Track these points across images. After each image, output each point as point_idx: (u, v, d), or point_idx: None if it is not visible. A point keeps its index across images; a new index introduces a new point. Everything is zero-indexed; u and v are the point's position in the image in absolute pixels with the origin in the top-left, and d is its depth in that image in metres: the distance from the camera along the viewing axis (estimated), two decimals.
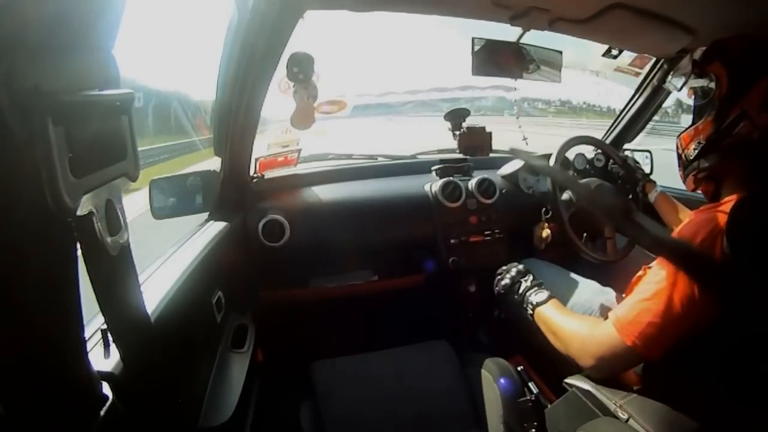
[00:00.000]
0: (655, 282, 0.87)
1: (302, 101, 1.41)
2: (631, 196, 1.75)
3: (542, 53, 1.53)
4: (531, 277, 1.25)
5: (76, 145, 0.42)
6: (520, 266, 1.30)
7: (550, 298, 1.16)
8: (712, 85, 0.96)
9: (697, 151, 0.98)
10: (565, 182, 1.63)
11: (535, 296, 1.18)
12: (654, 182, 1.74)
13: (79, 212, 0.44)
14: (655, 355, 0.86)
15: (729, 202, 0.87)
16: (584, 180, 1.78)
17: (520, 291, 1.23)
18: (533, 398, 1.00)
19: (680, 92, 1.09)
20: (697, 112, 1.01)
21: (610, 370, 0.96)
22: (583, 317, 1.10)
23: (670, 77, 1.57)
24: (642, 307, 0.87)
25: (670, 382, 0.94)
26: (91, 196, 0.45)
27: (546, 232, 1.75)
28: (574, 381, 1.07)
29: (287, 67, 1.33)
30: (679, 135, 1.05)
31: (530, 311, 1.17)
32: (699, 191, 1.05)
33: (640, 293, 0.89)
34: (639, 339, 0.85)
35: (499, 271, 1.35)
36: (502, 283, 1.29)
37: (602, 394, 0.97)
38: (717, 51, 0.97)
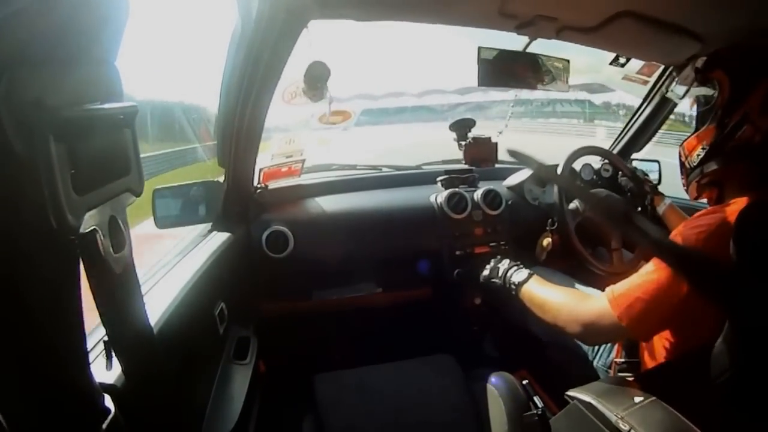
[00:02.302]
0: (653, 264, 0.92)
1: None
2: (639, 209, 1.74)
3: (550, 62, 1.52)
4: (507, 261, 1.33)
5: (78, 161, 0.42)
6: (501, 257, 1.39)
7: (531, 275, 1.22)
8: (714, 92, 0.97)
9: (700, 157, 1.00)
10: (574, 192, 1.63)
11: (516, 275, 1.24)
12: (663, 195, 1.73)
13: (82, 229, 0.43)
14: (638, 332, 0.94)
15: (732, 204, 0.89)
16: (592, 191, 1.77)
17: (500, 273, 1.30)
18: (539, 412, 1.00)
19: (682, 101, 1.09)
20: (700, 119, 1.03)
21: (595, 338, 1.07)
22: (569, 289, 1.13)
23: (672, 87, 1.56)
24: (634, 283, 0.93)
25: (672, 392, 0.93)
26: (94, 212, 0.45)
27: (546, 241, 1.74)
28: (576, 393, 1.05)
29: (306, 73, 1.33)
30: (681, 143, 1.06)
31: (514, 290, 1.23)
32: (703, 199, 1.06)
33: (638, 273, 0.94)
34: (625, 311, 0.91)
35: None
36: (483, 274, 1.38)
37: (603, 406, 0.96)
38: (719, 59, 0.99)
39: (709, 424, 0.86)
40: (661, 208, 1.68)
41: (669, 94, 1.63)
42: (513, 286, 1.23)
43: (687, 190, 1.08)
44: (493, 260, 1.38)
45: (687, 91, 1.07)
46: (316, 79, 1.34)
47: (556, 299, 1.09)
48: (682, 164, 1.07)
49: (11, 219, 0.38)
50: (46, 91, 0.39)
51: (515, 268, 1.28)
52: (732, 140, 0.93)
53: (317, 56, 1.31)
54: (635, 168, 1.89)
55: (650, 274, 0.91)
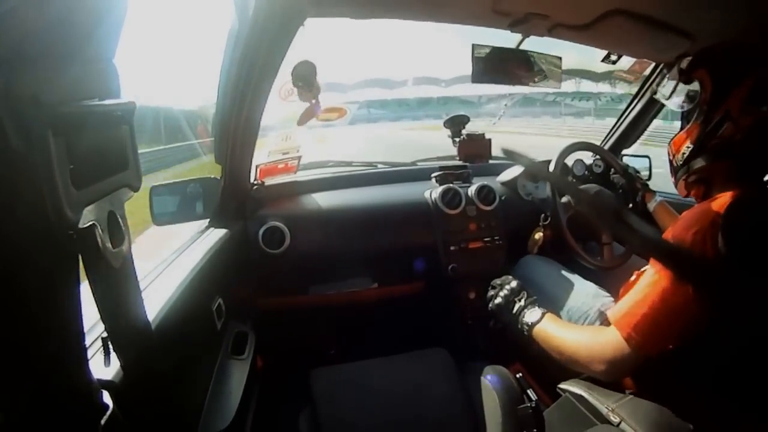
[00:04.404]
0: (648, 277, 0.90)
1: (309, 101, 1.43)
2: (631, 205, 1.75)
3: (542, 59, 1.53)
4: (525, 295, 1.24)
5: (76, 156, 0.42)
6: (513, 283, 1.28)
7: (543, 315, 1.15)
8: (698, 90, 0.99)
9: (686, 155, 1.01)
10: (565, 188, 1.64)
11: (529, 316, 1.17)
12: (654, 192, 1.74)
13: (80, 224, 0.43)
14: (651, 350, 0.88)
15: (719, 198, 0.90)
16: (583, 186, 1.78)
17: (514, 311, 1.22)
18: (532, 405, 1.00)
19: (669, 101, 1.11)
20: (685, 118, 1.05)
21: (619, 373, 0.96)
22: (583, 327, 1.10)
23: (659, 88, 1.58)
24: (636, 299, 0.90)
25: (662, 384, 0.95)
26: (92, 207, 0.45)
27: (539, 235, 1.75)
28: (567, 386, 1.07)
29: (293, 78, 1.34)
30: (669, 141, 1.08)
31: (526, 331, 1.16)
32: (691, 196, 1.07)
33: (635, 290, 0.92)
34: (633, 331, 0.88)
35: (492, 284, 1.34)
36: (496, 302, 1.28)
37: (594, 398, 0.98)
38: (702, 59, 1.00)
39: (696, 414, 0.87)
40: (651, 205, 1.70)
41: (657, 95, 1.66)
42: (526, 327, 1.17)
43: (676, 187, 1.10)
44: (507, 287, 1.28)
45: (673, 91, 1.09)
46: (302, 78, 1.35)
47: (572, 339, 1.04)
48: (670, 162, 1.09)
49: (10, 214, 0.38)
50: (44, 87, 0.39)
51: (530, 307, 1.20)
52: (714, 138, 0.94)
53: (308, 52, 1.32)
54: (627, 165, 1.91)
55: (650, 286, 0.89)
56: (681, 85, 1.04)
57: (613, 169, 1.91)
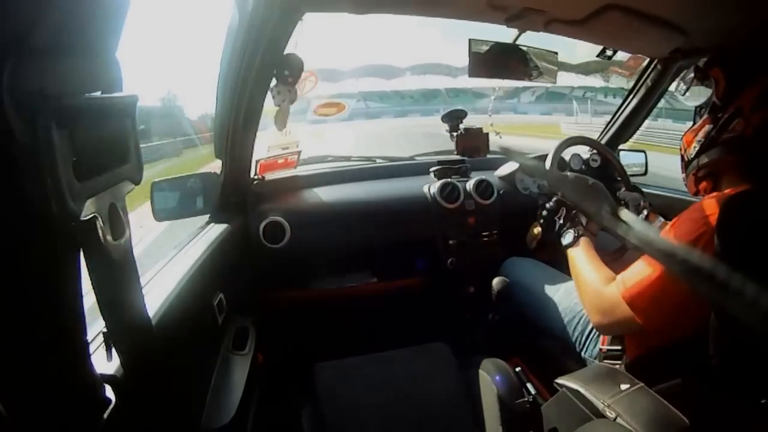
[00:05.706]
0: None
1: (283, 103, 1.44)
2: None
3: (539, 54, 1.54)
4: (563, 212, 1.39)
5: (79, 149, 0.42)
6: (550, 204, 1.45)
7: (577, 239, 1.28)
8: (712, 88, 1.01)
9: (696, 149, 1.04)
10: (558, 183, 1.64)
11: (565, 237, 1.32)
12: (657, 215, 1.73)
13: (82, 216, 0.44)
14: (644, 313, 0.95)
15: (726, 193, 0.93)
16: (580, 176, 1.77)
17: (556, 228, 1.38)
18: (530, 399, 1.01)
19: (684, 97, 1.14)
20: (698, 113, 1.08)
21: (611, 328, 1.07)
22: (599, 269, 1.15)
23: (678, 85, 1.60)
24: (642, 266, 0.96)
25: (659, 380, 0.96)
26: (94, 200, 0.45)
27: (537, 230, 1.76)
28: (565, 381, 1.08)
29: (277, 68, 1.35)
30: (682, 137, 1.10)
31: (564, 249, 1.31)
32: (700, 191, 1.09)
33: (645, 259, 0.98)
34: (631, 295, 0.95)
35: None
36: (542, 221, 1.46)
37: (591, 394, 0.98)
38: (718, 59, 1.03)
39: (693, 410, 0.88)
40: (655, 225, 1.69)
41: (675, 92, 1.67)
42: (563, 246, 1.31)
43: (686, 184, 1.12)
44: (547, 207, 1.44)
45: (688, 88, 1.12)
46: (292, 67, 1.35)
47: (585, 279, 1.15)
48: (681, 158, 1.11)
49: (14, 205, 0.39)
50: (49, 81, 0.39)
51: (568, 225, 1.35)
52: (725, 132, 0.97)
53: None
54: (634, 186, 1.83)
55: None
56: (696, 83, 1.07)
57: (624, 188, 1.83)
